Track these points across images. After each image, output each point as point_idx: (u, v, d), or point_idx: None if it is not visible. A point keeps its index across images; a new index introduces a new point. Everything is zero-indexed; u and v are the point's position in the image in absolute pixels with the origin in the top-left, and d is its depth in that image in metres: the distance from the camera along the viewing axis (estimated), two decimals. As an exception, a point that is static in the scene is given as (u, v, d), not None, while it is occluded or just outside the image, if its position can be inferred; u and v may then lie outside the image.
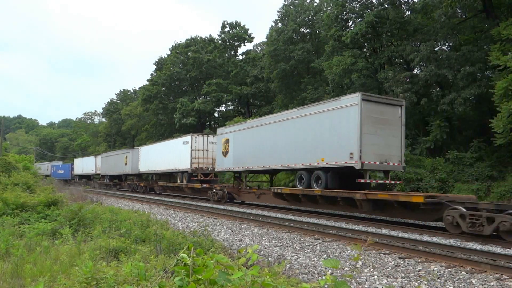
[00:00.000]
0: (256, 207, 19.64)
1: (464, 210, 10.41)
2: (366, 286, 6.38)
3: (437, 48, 24.32)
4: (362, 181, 13.83)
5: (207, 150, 25.23)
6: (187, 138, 25.65)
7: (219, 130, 23.04)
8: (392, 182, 15.42)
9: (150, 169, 30.99)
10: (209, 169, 24.75)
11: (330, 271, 7.16)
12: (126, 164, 35.05)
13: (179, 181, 26.62)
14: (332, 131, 14.55)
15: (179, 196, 27.82)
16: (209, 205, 20.47)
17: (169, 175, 29.13)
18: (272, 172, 20.75)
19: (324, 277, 6.83)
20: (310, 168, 15.68)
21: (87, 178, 49.86)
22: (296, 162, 16.27)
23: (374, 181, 14.45)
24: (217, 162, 22.57)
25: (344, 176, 14.97)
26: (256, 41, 59.50)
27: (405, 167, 15.15)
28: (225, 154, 21.59)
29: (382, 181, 14.71)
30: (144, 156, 32.09)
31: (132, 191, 34.37)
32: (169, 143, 28.57)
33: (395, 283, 6.47)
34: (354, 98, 13.79)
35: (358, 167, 13.47)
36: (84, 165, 50.12)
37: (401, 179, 17.81)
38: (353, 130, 13.65)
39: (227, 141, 21.47)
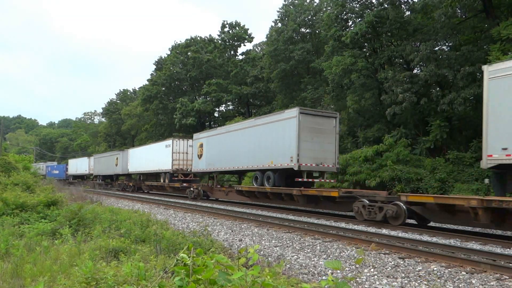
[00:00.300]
0: (256, 207, 19.66)
1: (367, 201, 13.22)
2: (366, 286, 6.37)
3: (437, 48, 24.33)
4: (300, 180, 16.67)
5: (186, 153, 27.63)
6: (169, 142, 28.18)
7: (195, 135, 25.49)
8: (327, 180, 18.51)
9: (137, 170, 33.43)
10: (188, 170, 26.76)
11: (330, 271, 7.16)
12: (116, 165, 37.37)
13: (162, 181, 29.18)
14: (278, 138, 17.38)
15: (164, 194, 29.93)
16: (188, 201, 22.87)
17: (154, 175, 31.41)
18: (239, 173, 23.14)
19: (324, 277, 6.83)
20: (262, 169, 18.49)
21: (80, 178, 51.95)
22: (253, 164, 19.04)
23: (310, 179, 17.16)
24: (193, 164, 25.08)
25: (289, 176, 17.49)
26: (256, 41, 59.57)
27: (338, 168, 18.14)
28: (199, 156, 24.15)
29: (317, 180, 17.58)
30: (133, 157, 34.47)
31: (122, 190, 36.55)
32: (154, 146, 31.18)
33: (395, 283, 6.46)
34: (294, 112, 16.75)
35: (296, 168, 16.28)
36: (78, 165, 52.47)
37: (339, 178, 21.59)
38: (292, 137, 16.45)
39: (201, 145, 24.01)
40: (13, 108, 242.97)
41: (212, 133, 23.66)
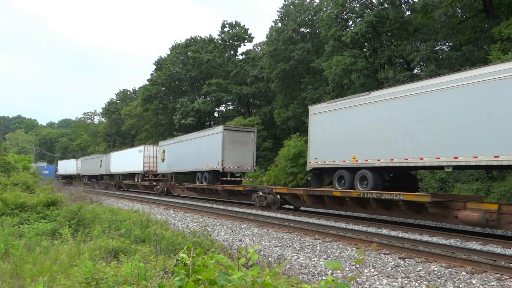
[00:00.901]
0: (256, 207, 19.66)
1: (260, 193, 18.70)
2: (366, 286, 6.37)
3: (437, 48, 24.33)
4: (223, 178, 22.59)
5: (156, 157, 32.48)
6: (141, 148, 33.70)
7: (160, 143, 32.08)
8: (246, 179, 24.49)
9: (118, 171, 38.78)
10: (157, 171, 32.11)
11: (330, 271, 7.15)
12: (100, 166, 42.56)
13: (136, 180, 34.78)
14: (210, 148, 23.15)
15: (139, 192, 35.00)
16: (155, 197, 27.60)
17: (131, 175, 36.57)
18: (189, 173, 27.78)
19: (324, 277, 6.83)
20: (202, 171, 24.33)
21: (69, 178, 56.43)
22: (196, 166, 24.96)
23: (233, 178, 22.91)
24: (158, 166, 31.42)
25: (220, 175, 22.87)
26: (256, 41, 59.53)
27: (255, 170, 24.75)
28: (163, 160, 30.15)
29: (238, 178, 23.53)
30: (114, 160, 39.50)
31: (106, 188, 40.98)
32: (130, 151, 36.97)
33: (395, 283, 6.46)
34: (220, 128, 22.88)
35: (220, 170, 22.20)
36: (67, 166, 58.03)
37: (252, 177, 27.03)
38: (219, 147, 22.18)
39: (164, 151, 30.09)
40: (13, 108, 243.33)
41: (171, 142, 30.00)
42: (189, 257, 2.82)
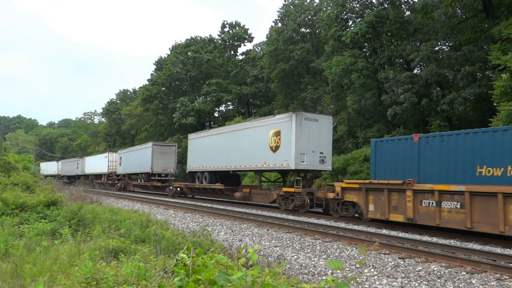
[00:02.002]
0: (256, 207, 19.65)
1: (171, 187, 27.77)
2: (366, 286, 6.37)
3: (437, 48, 24.32)
4: (152, 178, 31.68)
5: (116, 161, 40.01)
6: (106, 154, 42.82)
7: (119, 151, 41.18)
8: (172, 178, 33.34)
9: (90, 172, 47.38)
10: (117, 172, 39.65)
11: (330, 271, 7.16)
12: (77, 168, 51.36)
13: (102, 179, 43.33)
14: (145, 157, 32.17)
15: (106, 188, 41.27)
16: (120, 193, 34.31)
17: (100, 176, 44.84)
18: (135, 174, 36.28)
19: (324, 277, 6.83)
20: (141, 172, 33.49)
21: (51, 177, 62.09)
22: (137, 170, 34.11)
23: (160, 178, 31.95)
24: (118, 169, 39.40)
25: (151, 176, 32.07)
26: (256, 41, 59.53)
27: (176, 172, 33.49)
28: (120, 164, 38.57)
29: (165, 178, 32.39)
30: (87, 163, 48.50)
31: (83, 186, 48.63)
32: (98, 156, 46.05)
33: (395, 283, 6.46)
34: (150, 144, 32.10)
35: (150, 172, 31.25)
36: (49, 167, 65.42)
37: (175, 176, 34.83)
38: (150, 157, 31.31)
39: (121, 158, 38.64)
40: (13, 108, 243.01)
41: (125, 151, 39.28)
42: (189, 257, 2.82)
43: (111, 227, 9.48)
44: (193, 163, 25.56)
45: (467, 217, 10.44)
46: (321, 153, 17.74)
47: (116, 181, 39.31)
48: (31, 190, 15.87)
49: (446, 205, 11.13)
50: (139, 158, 33.21)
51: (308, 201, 16.53)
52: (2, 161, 23.08)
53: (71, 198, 17.67)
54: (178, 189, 27.27)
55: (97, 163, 44.08)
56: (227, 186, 22.10)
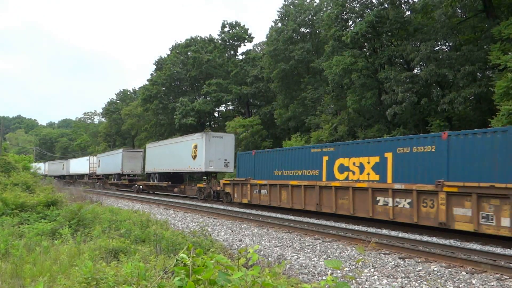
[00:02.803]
0: (256, 208, 19.67)
1: (136, 185, 34.36)
2: (366, 286, 6.37)
3: (437, 48, 24.32)
4: (123, 177, 38.40)
5: (95, 163, 45.88)
6: (87, 157, 48.82)
7: (98, 155, 47.07)
8: (139, 178, 38.37)
9: (74, 172, 53.11)
10: (96, 173, 45.46)
11: (330, 271, 7.15)
12: (63, 169, 57.17)
13: (85, 179, 48.59)
14: (117, 160, 37.58)
15: (87, 186, 44.36)
16: (104, 190, 37.63)
17: (82, 176, 50.31)
18: (111, 175, 41.93)
19: (324, 277, 6.83)
20: (114, 173, 39.22)
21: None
22: (112, 171, 39.48)
23: (129, 178, 38.17)
24: (97, 170, 44.86)
25: (121, 176, 38.25)
26: (256, 41, 59.50)
27: (142, 172, 37.69)
28: (99, 166, 44.44)
29: (133, 177, 38.16)
30: (71, 165, 54.60)
31: (68, 184, 50.89)
32: (81, 159, 52.37)
33: (395, 283, 6.46)
34: (120, 150, 38.46)
35: (120, 173, 37.48)
36: (36, 168, 71.47)
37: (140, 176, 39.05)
38: (120, 160, 36.76)
39: (99, 160, 44.61)
40: (13, 108, 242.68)
41: (102, 155, 45.74)
42: (189, 257, 2.82)
43: (111, 227, 9.49)
44: (149, 167, 33.32)
45: (274, 198, 18.21)
46: (225, 159, 25.20)
47: (96, 181, 45.42)
48: (31, 190, 15.87)
49: (263, 190, 18.97)
50: (112, 161, 39.21)
51: (212, 192, 23.99)
52: (2, 161, 23.08)
53: (71, 198, 17.67)
54: (140, 186, 33.91)
55: (80, 165, 50.71)
56: (171, 184, 29.52)
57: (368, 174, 14.00)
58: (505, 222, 9.66)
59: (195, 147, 25.29)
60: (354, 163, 14.67)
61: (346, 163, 15.04)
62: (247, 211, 17.74)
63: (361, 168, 14.33)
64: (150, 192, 34.29)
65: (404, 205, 12.18)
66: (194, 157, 25.37)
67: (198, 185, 25.62)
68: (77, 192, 23.02)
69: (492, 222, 9.92)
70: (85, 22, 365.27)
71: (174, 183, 29.26)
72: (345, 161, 15.10)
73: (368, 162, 14.06)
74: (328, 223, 13.66)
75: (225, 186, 22.02)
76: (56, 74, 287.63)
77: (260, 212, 17.22)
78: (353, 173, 14.62)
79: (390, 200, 12.44)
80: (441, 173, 11.50)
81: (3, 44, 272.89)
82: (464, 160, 11.12)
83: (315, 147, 17.35)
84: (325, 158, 16.12)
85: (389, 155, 13.21)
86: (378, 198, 12.99)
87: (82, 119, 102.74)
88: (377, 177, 13.63)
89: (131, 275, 4.22)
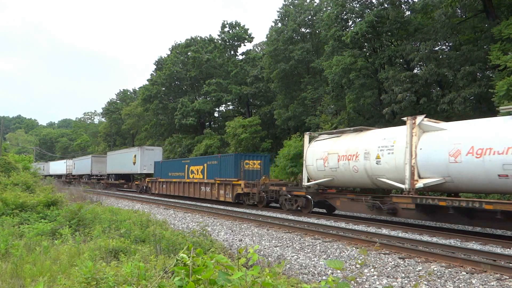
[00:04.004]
0: (256, 208, 19.66)
1: (102, 183, 42.31)
2: (366, 286, 6.37)
3: (437, 48, 24.31)
4: (92, 177, 45.38)
5: (71, 165, 52.77)
6: (65, 161, 56.60)
7: (73, 159, 54.32)
8: (104, 177, 44.49)
9: (54, 173, 57.76)
10: (72, 173, 51.97)
11: (330, 271, 7.16)
12: (43, 170, 60.32)
13: (62, 178, 53.78)
14: (87, 164, 46.23)
15: (65, 184, 48.38)
16: (90, 189, 34.86)
17: (60, 176, 55.61)
18: (84, 175, 47.86)
19: (324, 277, 6.82)
20: (85, 174, 46.35)
21: None
22: (84, 172, 46.96)
23: (98, 177, 45.29)
24: (73, 171, 51.43)
25: (91, 176, 45.47)
26: (256, 41, 59.48)
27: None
28: (74, 168, 51.42)
29: (101, 177, 44.73)
30: (51, 166, 61.45)
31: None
32: (59, 162, 60.00)
33: (395, 283, 6.46)
34: (89, 156, 48.10)
35: (90, 174, 45.40)
36: None
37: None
38: (90, 164, 45.42)
39: (74, 164, 51.82)
40: (13, 108, 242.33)
41: (76, 159, 52.86)
42: (189, 257, 2.82)
43: (111, 227, 9.48)
44: (109, 169, 42.33)
45: (168, 190, 28.84)
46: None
47: (72, 180, 51.56)
48: (31, 190, 15.87)
49: (164, 185, 29.57)
50: (84, 164, 47.34)
51: (144, 187, 34.11)
52: (2, 161, 23.08)
53: (71, 198, 17.67)
54: (144, 186, 37.48)
55: (58, 167, 58.44)
56: (123, 181, 39.65)
57: (200, 174, 25.05)
58: (230, 195, 21.36)
59: (135, 156, 35.94)
60: (196, 169, 25.55)
61: (193, 169, 26.00)
62: (247, 211, 17.75)
63: (197, 171, 25.35)
64: (117, 188, 41.82)
65: (207, 189, 23.67)
66: (134, 163, 35.83)
67: (136, 182, 36.80)
68: (77, 192, 23.02)
69: (228, 196, 21.42)
70: (85, 22, 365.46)
71: (125, 181, 39.53)
72: (193, 168, 26.06)
73: (199, 169, 25.18)
74: (328, 223, 13.67)
75: (148, 183, 33.12)
76: (56, 74, 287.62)
77: (260, 212, 17.20)
78: (195, 174, 25.61)
79: (203, 188, 24.14)
80: (217, 174, 22.76)
81: (3, 44, 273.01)
82: (225, 166, 22.36)
83: (183, 159, 29.52)
84: (186, 166, 26.93)
85: (205, 165, 24.58)
86: (201, 187, 24.42)
87: (82, 119, 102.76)
88: (201, 176, 24.90)
89: (131, 275, 4.23)
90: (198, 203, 21.95)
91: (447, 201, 10.93)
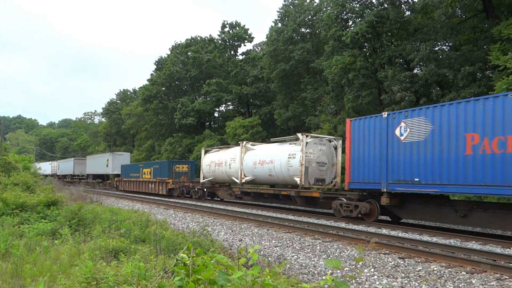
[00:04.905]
0: (256, 207, 19.68)
1: (83, 182, 46.15)
2: (366, 286, 6.37)
3: (437, 48, 24.30)
4: (74, 177, 51.37)
5: (56, 167, 57.86)
6: (50, 162, 62.72)
7: (57, 161, 60.14)
8: (84, 177, 49.93)
9: (43, 173, 59.89)
10: (57, 173, 56.06)
11: (330, 271, 7.16)
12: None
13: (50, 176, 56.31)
14: (69, 166, 53.17)
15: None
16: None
17: (46, 176, 57.70)
18: (71, 175, 52.46)
19: (324, 277, 6.83)
20: (69, 174, 52.09)
21: None
22: (67, 172, 53.71)
23: (78, 177, 50.43)
24: (57, 171, 55.92)
25: (73, 176, 51.80)
26: (256, 41, 59.46)
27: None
28: (58, 169, 56.32)
29: (82, 177, 50.22)
30: (42, 166, 62.35)
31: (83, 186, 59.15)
32: (45, 163, 64.33)
33: (395, 283, 6.46)
34: (72, 159, 55.10)
35: (72, 174, 51.46)
36: None
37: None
38: (72, 165, 52.27)
39: (58, 165, 57.05)
40: (13, 108, 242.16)
41: (61, 161, 58.65)
42: (189, 257, 2.83)
43: (111, 227, 9.49)
44: (88, 170, 47.75)
45: (129, 187, 35.90)
46: None
47: (56, 179, 55.58)
48: (31, 190, 15.87)
49: (127, 183, 36.18)
50: (68, 166, 53.09)
51: (115, 185, 39.19)
52: (2, 161, 23.09)
53: (71, 198, 17.68)
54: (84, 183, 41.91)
55: (45, 167, 62.41)
56: (100, 181, 44.91)
57: (149, 175, 32.06)
58: (165, 190, 28.73)
59: (108, 160, 42.45)
60: (147, 171, 32.62)
61: (144, 171, 33.08)
62: (248, 211, 17.76)
63: (147, 173, 32.40)
64: (95, 186, 46.46)
65: (152, 186, 30.79)
66: (107, 165, 42.18)
67: (108, 181, 42.98)
68: (77, 192, 23.02)
69: (164, 190, 28.75)
70: (84, 22, 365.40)
71: (101, 180, 45.18)
72: (144, 170, 33.15)
73: (148, 171, 32.26)
74: (328, 223, 13.67)
75: (116, 182, 39.03)
76: (56, 74, 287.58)
77: (260, 212, 17.23)
78: (146, 175, 32.61)
79: (150, 185, 31.17)
80: (158, 175, 30.06)
81: (3, 44, 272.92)
82: (163, 169, 29.61)
83: (139, 164, 37.20)
84: (141, 169, 34.09)
85: (152, 168, 31.80)
86: (149, 184, 31.53)
87: (82, 119, 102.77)
88: (149, 176, 31.86)
89: (131, 275, 4.23)
90: (198, 203, 21.98)
91: (251, 189, 20.31)
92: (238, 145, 22.64)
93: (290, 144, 18.45)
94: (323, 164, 17.49)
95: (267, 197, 19.75)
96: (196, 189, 25.93)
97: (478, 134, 10.37)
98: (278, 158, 18.45)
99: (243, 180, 20.71)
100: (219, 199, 25.65)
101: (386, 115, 13.12)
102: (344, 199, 14.69)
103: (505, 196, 11.07)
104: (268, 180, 19.60)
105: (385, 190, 12.72)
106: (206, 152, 26.14)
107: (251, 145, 21.72)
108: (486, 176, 10.08)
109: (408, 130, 12.23)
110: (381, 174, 12.92)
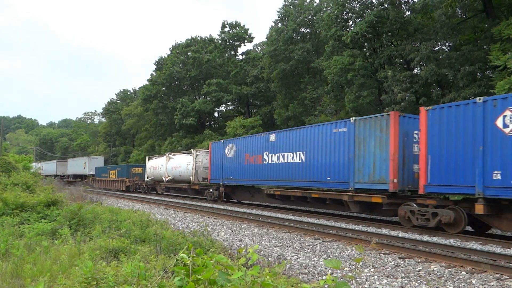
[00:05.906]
0: (256, 207, 19.68)
1: (65, 180, 54.20)
2: (366, 286, 6.37)
3: (437, 48, 24.31)
4: (58, 176, 53.28)
5: (41, 167, 57.48)
6: (42, 163, 64.20)
7: (41, 163, 63.03)
8: (66, 176, 56.88)
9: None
10: (41, 173, 60.61)
11: (330, 271, 7.16)
12: None
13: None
14: (52, 167, 59.37)
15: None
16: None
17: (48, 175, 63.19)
18: (63, 175, 56.57)
19: (324, 277, 6.83)
20: (45, 175, 50.48)
21: None
22: (58, 173, 56.56)
23: (61, 177, 55.17)
24: (41, 172, 51.65)
25: (61, 177, 56.58)
26: (256, 41, 59.48)
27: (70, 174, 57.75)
28: (42, 170, 53.76)
29: (78, 177, 55.23)
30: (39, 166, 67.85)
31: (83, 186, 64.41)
32: (45, 163, 65.93)
33: (395, 283, 6.46)
34: (54, 161, 61.76)
35: (55, 174, 55.23)
36: None
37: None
38: (55, 166, 59.44)
39: (42, 166, 58.42)
40: (13, 108, 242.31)
41: (45, 163, 62.66)
42: (189, 257, 2.83)
43: (111, 227, 9.48)
44: (69, 171, 53.53)
45: (100, 185, 43.21)
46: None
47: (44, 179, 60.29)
48: (31, 190, 15.86)
49: (99, 182, 44.31)
50: (51, 167, 58.83)
51: (90, 183, 43.83)
52: (2, 161, 23.08)
53: (71, 198, 17.67)
54: (148, 186, 44.75)
55: (43, 166, 67.96)
56: (80, 180, 48.75)
57: (114, 175, 38.85)
58: (124, 187, 37.09)
59: (85, 162, 49.52)
60: (113, 172, 39.34)
61: (111, 172, 39.84)
62: (248, 211, 17.76)
63: (113, 173, 39.27)
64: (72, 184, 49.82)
65: (116, 184, 38.52)
66: (85, 167, 49.03)
67: (85, 180, 47.64)
68: (77, 192, 23.02)
69: (123, 187, 37.10)
70: (84, 22, 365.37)
71: (81, 180, 49.25)
72: (111, 171, 40.11)
73: (114, 172, 39.15)
74: (328, 223, 13.68)
75: (91, 181, 45.19)
76: (56, 74, 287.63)
77: (260, 212, 17.23)
78: (112, 175, 39.21)
79: (115, 183, 38.61)
80: (121, 175, 38.39)
81: (3, 43, 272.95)
82: (125, 171, 38.34)
83: (107, 166, 44.63)
84: (109, 170, 41.36)
85: (117, 170, 39.79)
86: (114, 183, 38.75)
87: (82, 119, 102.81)
88: (115, 176, 38.80)
89: (131, 275, 4.23)
90: (199, 203, 22.01)
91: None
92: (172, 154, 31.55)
93: (190, 155, 26.92)
94: (207, 168, 25.08)
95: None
96: (143, 186, 34.52)
97: None
98: (183, 164, 27.18)
99: (167, 179, 29.60)
100: (159, 192, 34.04)
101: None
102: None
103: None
104: (179, 179, 27.93)
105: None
106: (149, 158, 34.80)
107: (172, 155, 30.25)
108: None
109: None
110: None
